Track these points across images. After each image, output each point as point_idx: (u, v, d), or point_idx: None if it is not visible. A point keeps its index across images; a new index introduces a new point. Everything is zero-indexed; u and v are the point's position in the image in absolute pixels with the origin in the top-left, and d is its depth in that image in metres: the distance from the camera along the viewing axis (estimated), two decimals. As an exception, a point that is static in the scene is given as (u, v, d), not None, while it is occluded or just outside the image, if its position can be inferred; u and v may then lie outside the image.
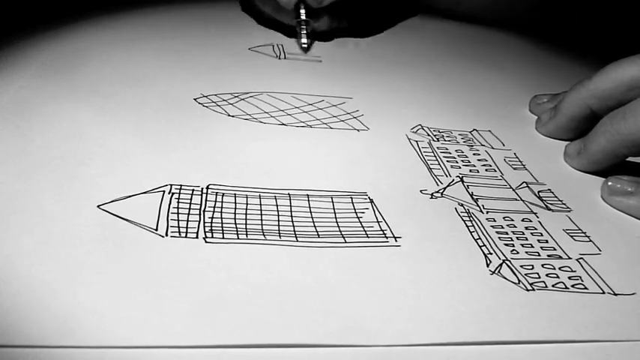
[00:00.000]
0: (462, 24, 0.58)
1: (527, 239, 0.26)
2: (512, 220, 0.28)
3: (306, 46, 0.46)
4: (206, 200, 0.26)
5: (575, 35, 0.55)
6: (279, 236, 0.24)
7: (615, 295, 0.23)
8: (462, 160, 0.33)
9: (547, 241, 0.26)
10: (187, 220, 0.25)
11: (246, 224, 0.25)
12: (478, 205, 0.28)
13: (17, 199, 0.25)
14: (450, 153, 0.33)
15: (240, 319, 0.20)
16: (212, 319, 0.20)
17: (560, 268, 0.25)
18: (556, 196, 0.30)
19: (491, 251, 0.25)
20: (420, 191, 0.29)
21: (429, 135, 0.35)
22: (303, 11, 0.46)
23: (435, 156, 0.33)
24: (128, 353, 0.18)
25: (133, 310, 0.20)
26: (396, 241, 0.25)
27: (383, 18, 0.56)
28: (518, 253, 0.25)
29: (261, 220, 0.25)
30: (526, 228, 0.27)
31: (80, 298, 0.20)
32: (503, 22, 0.57)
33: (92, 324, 0.19)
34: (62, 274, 0.21)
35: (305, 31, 0.46)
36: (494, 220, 0.27)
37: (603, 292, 0.23)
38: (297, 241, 0.24)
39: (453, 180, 0.30)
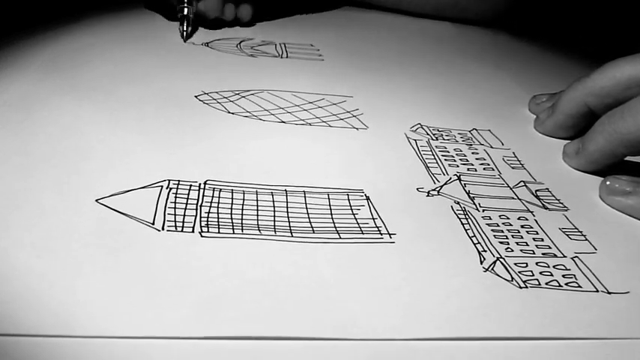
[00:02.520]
0: (462, 24, 0.58)
1: (522, 237, 0.26)
2: (508, 218, 0.28)
3: (185, 33, 0.42)
4: (203, 195, 0.26)
5: (574, 35, 0.54)
6: (275, 231, 0.25)
7: (609, 293, 0.23)
8: (460, 159, 0.33)
9: (542, 240, 0.26)
10: (184, 215, 0.25)
11: (242, 219, 0.25)
12: (474, 204, 0.28)
13: (17, 195, 0.25)
14: (449, 152, 0.33)
15: (234, 313, 0.20)
16: (206, 312, 0.20)
17: (554, 267, 0.25)
18: (553, 195, 0.30)
19: (486, 249, 0.25)
20: (417, 189, 0.29)
21: (428, 134, 0.35)
22: None
23: (433, 155, 0.33)
24: (123, 343, 0.19)
25: (128, 302, 0.20)
26: (390, 237, 0.25)
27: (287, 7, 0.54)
28: (512, 250, 0.25)
29: (257, 215, 0.25)
30: (522, 226, 0.27)
31: (77, 290, 0.20)
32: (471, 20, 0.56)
33: (89, 316, 0.19)
34: (60, 267, 0.21)
35: (185, 16, 0.43)
36: (490, 218, 0.27)
37: (597, 291, 0.23)
38: (292, 236, 0.24)
39: (450, 178, 0.30)
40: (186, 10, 0.43)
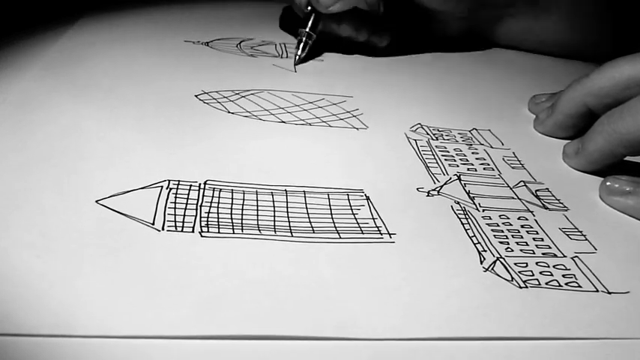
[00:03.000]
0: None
1: (522, 237, 0.26)
2: (508, 218, 0.28)
3: (298, 58, 0.43)
4: (203, 195, 0.26)
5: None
6: (275, 231, 0.25)
7: (609, 293, 0.23)
8: (460, 159, 0.33)
9: (542, 240, 0.26)
10: (184, 215, 0.25)
11: (242, 219, 0.25)
12: (474, 203, 0.28)
13: (17, 193, 0.25)
14: (449, 152, 0.33)
15: (234, 312, 0.20)
16: (206, 312, 0.20)
17: (554, 266, 0.25)
18: (553, 195, 0.30)
19: (486, 249, 0.25)
20: (417, 189, 0.29)
21: (428, 134, 0.35)
22: (310, 22, 0.43)
23: (433, 154, 0.33)
24: (123, 343, 0.19)
25: (128, 302, 0.20)
26: (390, 237, 0.25)
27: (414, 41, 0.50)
28: (512, 250, 0.25)
29: (257, 215, 0.25)
30: (522, 226, 0.27)
31: (77, 290, 0.20)
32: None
33: (89, 316, 0.19)
34: (60, 267, 0.21)
35: (302, 43, 0.43)
36: (490, 218, 0.27)
37: (597, 291, 0.23)
38: (292, 236, 0.24)
39: (450, 178, 0.30)
40: (304, 36, 0.43)
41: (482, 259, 0.24)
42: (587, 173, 0.33)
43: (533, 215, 0.28)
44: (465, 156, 0.33)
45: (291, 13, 0.48)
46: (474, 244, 0.25)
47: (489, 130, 0.37)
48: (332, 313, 0.21)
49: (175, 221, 0.24)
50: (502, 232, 0.27)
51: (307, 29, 0.43)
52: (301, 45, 0.43)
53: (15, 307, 0.19)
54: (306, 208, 0.26)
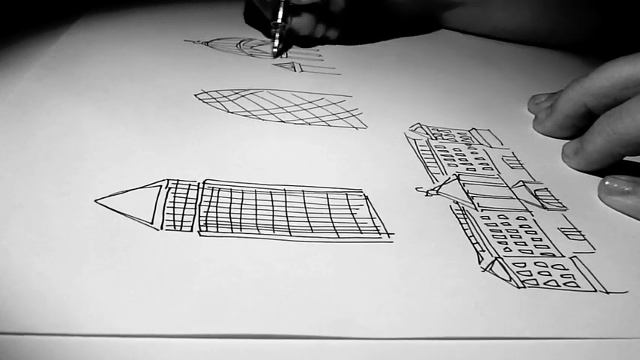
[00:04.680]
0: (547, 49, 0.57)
1: (520, 237, 0.26)
2: (507, 218, 0.28)
3: (275, 50, 0.44)
4: (202, 195, 0.26)
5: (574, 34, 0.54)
6: (273, 231, 0.25)
7: (608, 293, 0.23)
8: (460, 159, 0.33)
9: (541, 240, 0.26)
10: (183, 214, 0.25)
11: (240, 219, 0.25)
12: (473, 203, 0.29)
13: (17, 192, 0.25)
14: (448, 151, 0.33)
15: (232, 311, 0.20)
16: (205, 311, 0.20)
17: (552, 266, 0.25)
18: (552, 195, 0.30)
19: (484, 249, 0.25)
20: (416, 189, 0.29)
21: (427, 134, 0.35)
22: (280, 12, 0.44)
23: (432, 154, 0.33)
24: (122, 342, 0.19)
25: (127, 301, 0.20)
26: (389, 237, 0.25)
27: (372, 29, 0.53)
28: (511, 250, 0.25)
29: (256, 214, 0.26)
30: (520, 226, 0.27)
31: (77, 289, 0.20)
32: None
33: (88, 314, 0.19)
34: (59, 266, 0.21)
35: (277, 34, 0.44)
36: (489, 218, 0.27)
37: (595, 291, 0.24)
38: (291, 235, 0.24)
39: (449, 178, 0.31)
40: (278, 28, 0.44)
41: (481, 259, 0.25)
42: (586, 173, 0.33)
43: (532, 215, 0.28)
44: (464, 156, 0.33)
45: (254, 7, 0.49)
46: (473, 243, 0.25)
47: (489, 129, 0.37)
48: (330, 313, 0.21)
49: (174, 220, 0.24)
50: (500, 231, 0.27)
51: (279, 20, 0.44)
52: (277, 37, 0.44)
53: (15, 306, 0.19)
54: (305, 207, 0.26)
